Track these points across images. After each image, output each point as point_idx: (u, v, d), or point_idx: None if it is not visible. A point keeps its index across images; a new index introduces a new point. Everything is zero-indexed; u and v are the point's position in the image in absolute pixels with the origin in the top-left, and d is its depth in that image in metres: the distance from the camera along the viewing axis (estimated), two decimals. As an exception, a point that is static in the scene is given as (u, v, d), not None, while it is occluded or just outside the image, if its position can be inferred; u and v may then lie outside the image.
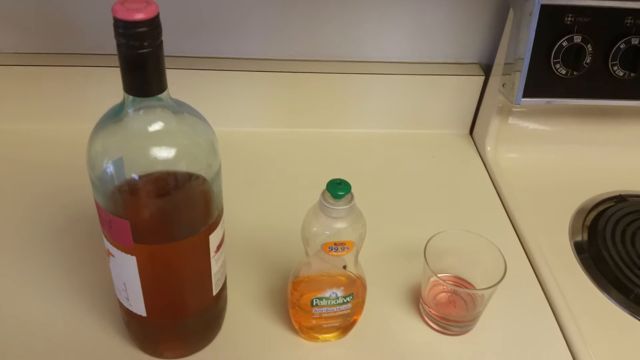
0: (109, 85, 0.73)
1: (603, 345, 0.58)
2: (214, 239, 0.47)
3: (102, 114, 0.43)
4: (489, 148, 0.82)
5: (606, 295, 0.63)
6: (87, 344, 0.54)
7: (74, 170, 0.67)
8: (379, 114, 0.84)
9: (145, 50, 0.36)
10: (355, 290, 0.53)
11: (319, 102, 0.82)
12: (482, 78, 0.82)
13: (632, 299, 0.63)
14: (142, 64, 0.37)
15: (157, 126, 0.41)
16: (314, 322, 0.54)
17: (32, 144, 0.78)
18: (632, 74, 0.72)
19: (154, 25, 0.36)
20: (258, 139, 0.82)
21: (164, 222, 0.44)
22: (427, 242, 0.57)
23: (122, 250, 0.44)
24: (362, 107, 0.84)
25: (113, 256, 0.46)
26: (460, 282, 0.60)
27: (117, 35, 0.36)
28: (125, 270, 0.46)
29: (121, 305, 0.51)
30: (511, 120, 0.80)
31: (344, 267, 0.52)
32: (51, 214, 0.67)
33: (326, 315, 0.53)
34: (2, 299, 0.57)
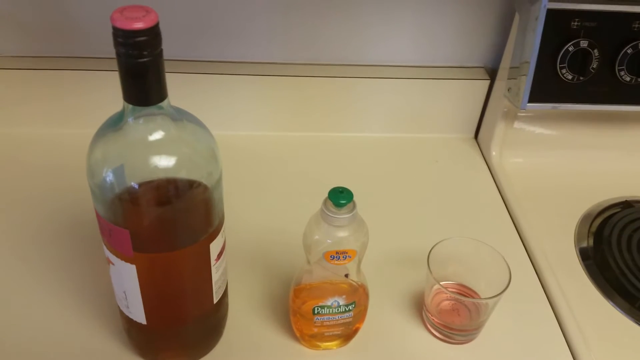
0: (109, 89, 0.72)
1: (607, 353, 0.57)
2: (214, 247, 0.47)
3: (101, 119, 0.42)
4: (494, 153, 0.81)
5: (611, 302, 0.63)
6: (87, 352, 0.54)
7: (74, 175, 0.66)
8: (383, 118, 0.84)
9: (144, 60, 0.36)
10: (358, 298, 0.52)
11: (322, 106, 0.82)
12: (488, 82, 0.82)
13: (637, 307, 0.62)
14: (141, 73, 0.37)
15: (157, 134, 0.40)
16: (315, 330, 0.53)
17: (32, 148, 0.77)
18: (638, 79, 0.72)
19: (153, 34, 0.36)
20: (260, 143, 0.82)
21: (164, 231, 0.43)
22: (431, 250, 0.56)
23: (121, 259, 0.44)
24: (366, 111, 0.83)
25: (113, 264, 0.45)
26: (464, 290, 0.60)
27: (117, 44, 0.35)
28: (125, 279, 0.45)
29: (121, 312, 0.50)
30: (517, 125, 0.80)
31: (346, 275, 0.51)
32: (50, 218, 0.67)
33: (328, 323, 0.53)
34: (0, 304, 0.57)
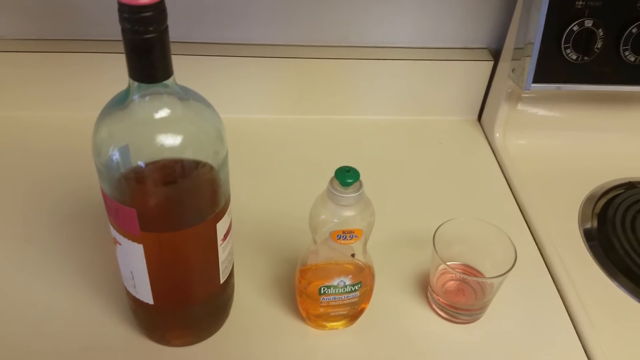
0: (111, 72, 0.72)
1: (612, 332, 0.57)
2: (221, 227, 0.47)
3: (104, 101, 0.42)
4: (497, 134, 0.81)
5: (615, 282, 0.63)
6: (94, 332, 0.54)
7: (77, 157, 0.67)
8: (386, 100, 0.84)
9: (150, 36, 0.36)
10: (364, 278, 0.52)
11: (325, 88, 0.81)
12: (491, 63, 0.81)
13: (641, 287, 0.62)
14: (147, 49, 0.36)
15: (163, 113, 0.40)
16: (321, 310, 0.53)
17: (35, 131, 0.77)
18: (643, 59, 0.71)
19: (159, 9, 0.35)
20: (263, 126, 0.82)
21: (171, 210, 0.43)
22: (436, 230, 0.56)
23: (128, 239, 0.44)
24: (369, 93, 0.83)
25: (120, 244, 0.45)
26: (469, 270, 0.60)
27: (122, 20, 0.35)
28: (132, 259, 0.45)
29: (128, 293, 0.50)
30: (520, 106, 0.79)
31: (352, 255, 0.51)
32: (55, 201, 0.67)
33: (334, 303, 0.53)
34: (8, 287, 0.57)
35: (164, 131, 0.40)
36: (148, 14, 0.35)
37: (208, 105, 0.44)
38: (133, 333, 0.54)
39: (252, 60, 0.78)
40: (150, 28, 0.35)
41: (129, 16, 0.35)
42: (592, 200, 0.73)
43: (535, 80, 0.72)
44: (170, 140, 0.40)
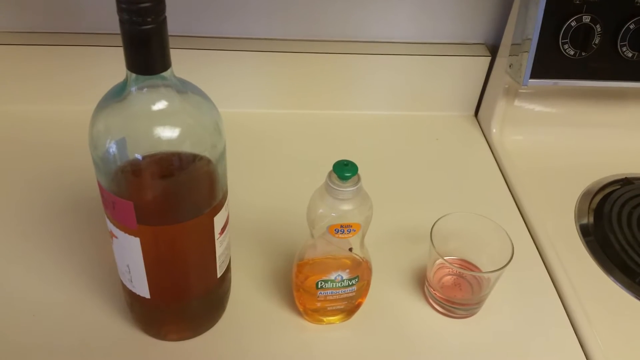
0: (108, 66, 0.71)
1: (608, 327, 0.58)
2: (218, 220, 0.46)
3: (101, 95, 0.42)
4: (494, 130, 0.81)
5: (612, 278, 0.63)
6: (90, 327, 0.54)
7: (74, 151, 0.66)
8: (383, 95, 0.83)
9: (148, 27, 0.35)
10: (361, 272, 0.52)
11: (323, 83, 0.81)
12: (488, 59, 0.81)
13: (637, 282, 0.62)
14: (145, 40, 0.36)
15: (160, 105, 0.40)
16: (318, 304, 0.53)
17: (31, 125, 0.77)
18: (640, 55, 0.71)
19: (157, 0, 0.35)
20: (261, 120, 0.81)
21: (168, 203, 0.43)
22: (434, 225, 0.56)
23: (125, 232, 0.43)
24: (366, 88, 0.83)
25: (116, 237, 0.45)
26: (466, 264, 0.60)
27: (120, 10, 0.35)
28: (129, 252, 0.45)
29: (124, 287, 0.50)
30: (517, 102, 0.79)
31: (350, 249, 0.51)
32: (51, 195, 0.66)
33: (331, 297, 0.53)
34: (3, 281, 0.57)
35: (162, 124, 0.40)
36: (146, 4, 0.35)
37: (206, 98, 0.43)
38: (129, 327, 0.54)
39: (250, 55, 0.77)
40: (149, 19, 0.35)
41: (127, 7, 0.35)
42: (588, 195, 0.73)
43: (532, 76, 0.72)
44: (167, 133, 0.40)
